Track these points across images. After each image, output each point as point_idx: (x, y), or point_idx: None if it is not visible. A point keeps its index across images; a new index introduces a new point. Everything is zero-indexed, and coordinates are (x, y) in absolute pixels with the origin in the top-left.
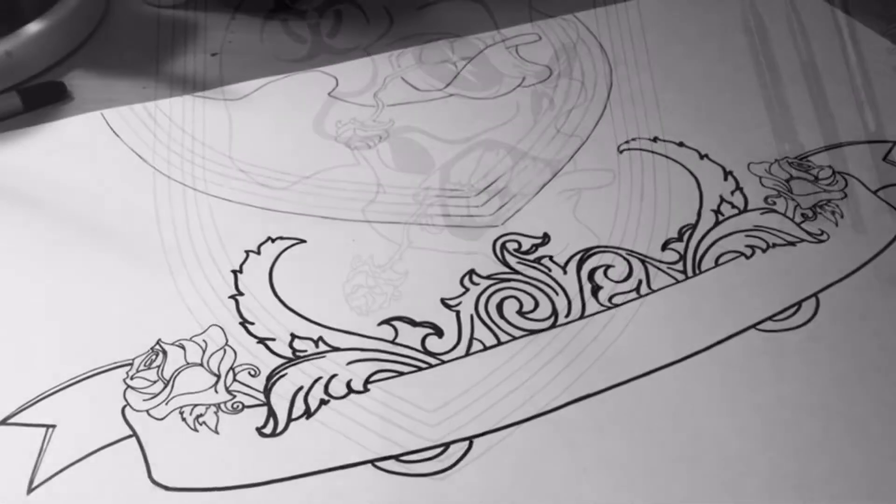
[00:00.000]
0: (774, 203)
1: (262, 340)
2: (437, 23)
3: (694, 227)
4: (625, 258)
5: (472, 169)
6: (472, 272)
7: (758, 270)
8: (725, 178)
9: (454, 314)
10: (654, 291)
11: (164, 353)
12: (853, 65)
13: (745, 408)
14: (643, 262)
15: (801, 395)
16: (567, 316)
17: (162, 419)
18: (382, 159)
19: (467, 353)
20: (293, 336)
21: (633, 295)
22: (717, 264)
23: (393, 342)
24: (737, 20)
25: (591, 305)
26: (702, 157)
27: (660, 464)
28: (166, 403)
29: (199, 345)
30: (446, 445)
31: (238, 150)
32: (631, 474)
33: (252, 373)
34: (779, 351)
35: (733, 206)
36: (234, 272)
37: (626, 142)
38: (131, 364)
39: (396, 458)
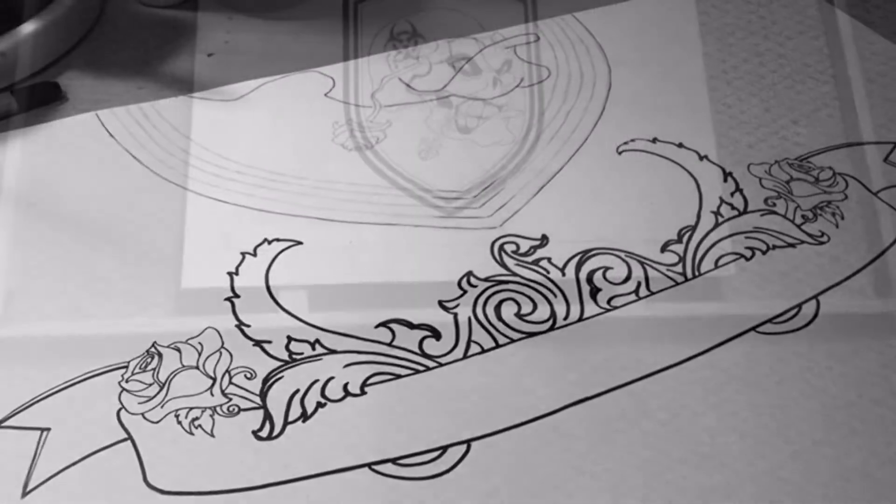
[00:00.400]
0: (774, 204)
1: (258, 343)
2: (437, 23)
3: (693, 228)
4: (624, 260)
5: (470, 170)
6: (469, 274)
7: (758, 272)
8: (725, 180)
9: (452, 316)
10: (653, 294)
11: (160, 355)
12: (853, 64)
13: (744, 411)
14: (642, 264)
15: (800, 398)
16: (566, 318)
17: (157, 422)
18: (380, 160)
19: (465, 356)
20: (289, 338)
21: (633, 297)
22: (716, 266)
23: (390, 345)
24: (737, 20)
25: (590, 308)
26: (701, 158)
27: (658, 467)
28: (162, 406)
29: (194, 347)
30: (444, 448)
31: (234, 152)
32: (629, 478)
33: (248, 375)
34: (779, 354)
35: (733, 208)
36: (230, 274)
37: (626, 142)
38: (126, 367)
39: (394, 461)
